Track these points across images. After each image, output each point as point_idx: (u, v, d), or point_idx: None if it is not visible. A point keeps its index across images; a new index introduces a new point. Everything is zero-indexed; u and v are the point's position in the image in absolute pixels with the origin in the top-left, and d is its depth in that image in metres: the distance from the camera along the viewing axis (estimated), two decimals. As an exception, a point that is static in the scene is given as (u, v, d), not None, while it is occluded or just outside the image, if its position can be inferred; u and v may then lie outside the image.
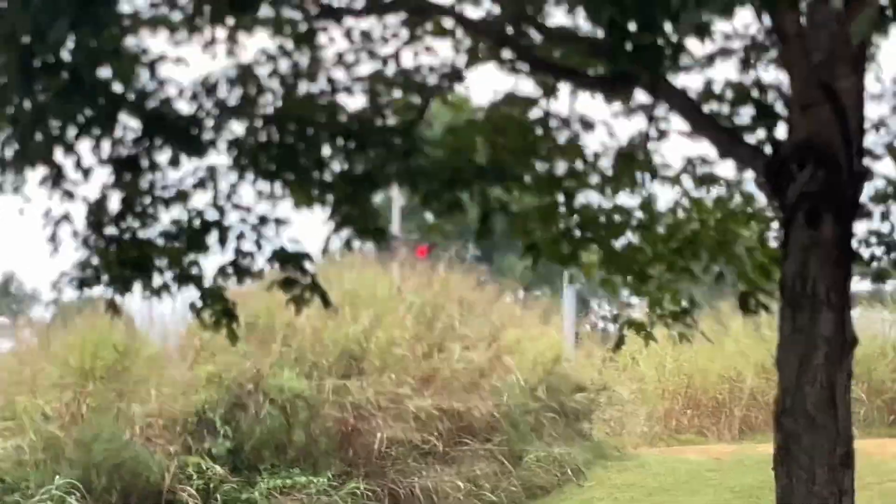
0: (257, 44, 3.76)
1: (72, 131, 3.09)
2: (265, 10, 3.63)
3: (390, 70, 4.17)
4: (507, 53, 4.33)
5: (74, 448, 8.19)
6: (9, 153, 3.23)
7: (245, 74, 3.60)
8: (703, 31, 2.64)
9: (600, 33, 3.86)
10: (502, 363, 11.84)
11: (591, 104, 4.52)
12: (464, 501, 9.65)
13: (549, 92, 4.59)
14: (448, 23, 4.43)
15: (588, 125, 4.68)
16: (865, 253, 4.21)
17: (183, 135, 3.18)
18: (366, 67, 4.27)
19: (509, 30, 4.17)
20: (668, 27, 2.94)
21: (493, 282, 15.02)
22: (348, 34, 4.22)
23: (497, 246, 26.98)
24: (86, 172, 3.31)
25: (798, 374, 3.37)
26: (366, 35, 4.25)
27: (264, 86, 3.76)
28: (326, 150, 3.64)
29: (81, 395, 8.77)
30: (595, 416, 12.72)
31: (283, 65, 3.87)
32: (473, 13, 4.26)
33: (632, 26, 2.88)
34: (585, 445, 11.80)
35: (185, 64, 3.27)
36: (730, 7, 2.29)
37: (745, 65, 4.20)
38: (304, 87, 3.99)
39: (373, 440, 9.26)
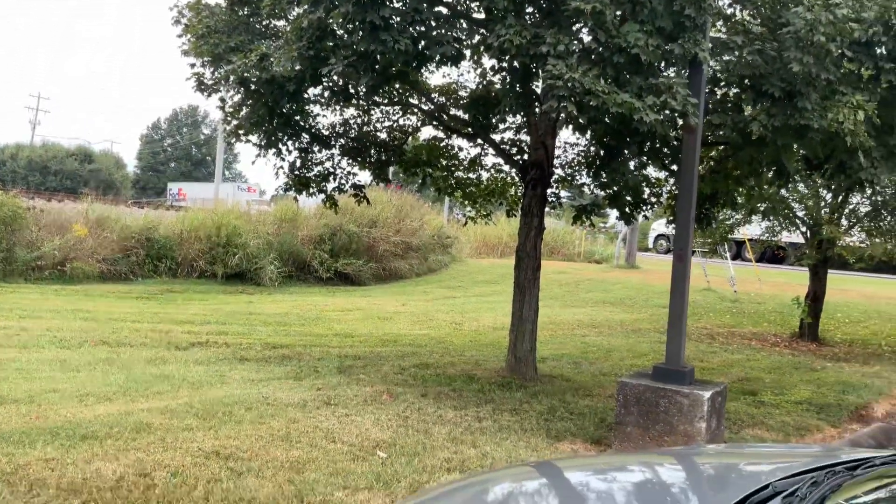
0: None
1: (284, 139, 9.31)
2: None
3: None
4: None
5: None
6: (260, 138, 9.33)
7: (347, 123, 9.92)
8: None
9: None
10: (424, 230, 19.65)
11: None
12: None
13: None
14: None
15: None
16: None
17: (323, 139, 9.48)
18: None
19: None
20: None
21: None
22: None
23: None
24: (289, 151, 9.50)
25: (525, 237, 10.26)
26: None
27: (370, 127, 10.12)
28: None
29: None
30: (453, 246, 21.70)
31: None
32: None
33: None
34: (450, 256, 19.95)
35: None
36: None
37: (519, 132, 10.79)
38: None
39: None
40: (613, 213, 15.21)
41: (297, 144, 9.45)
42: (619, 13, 6.57)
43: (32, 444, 5.56)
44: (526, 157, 10.28)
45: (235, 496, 4.81)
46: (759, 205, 13.40)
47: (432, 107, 10.12)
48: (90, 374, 8.21)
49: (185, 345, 10.49)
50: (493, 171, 11.23)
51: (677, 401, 6.32)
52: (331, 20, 6.74)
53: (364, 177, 22.50)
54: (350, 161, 9.98)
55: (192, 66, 8.95)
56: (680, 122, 6.80)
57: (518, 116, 9.93)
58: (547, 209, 10.36)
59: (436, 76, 54.32)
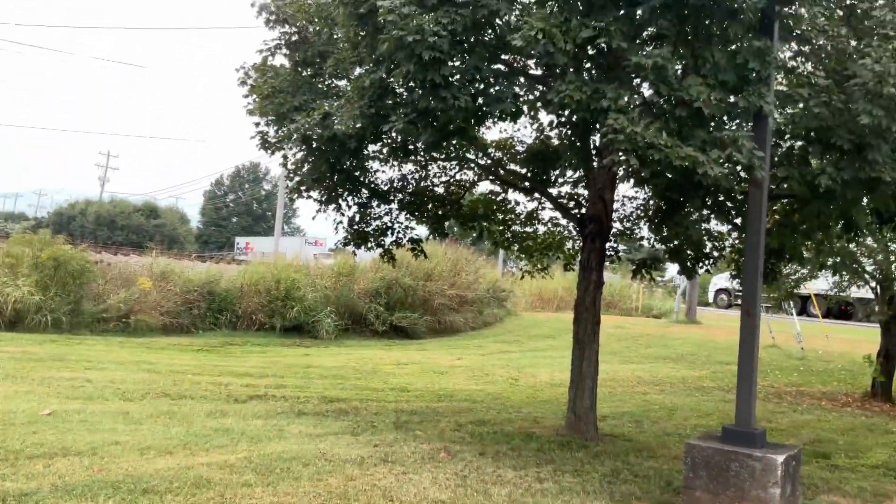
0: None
1: (345, 194, 9.43)
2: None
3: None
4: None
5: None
6: (321, 194, 9.47)
7: (405, 178, 10.03)
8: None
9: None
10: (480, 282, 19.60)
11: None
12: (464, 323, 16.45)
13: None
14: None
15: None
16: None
17: (382, 194, 9.61)
18: None
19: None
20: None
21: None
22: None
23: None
24: (349, 206, 9.61)
25: (583, 291, 10.12)
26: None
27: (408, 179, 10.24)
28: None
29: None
30: (508, 300, 22.34)
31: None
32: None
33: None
34: (505, 310, 20.53)
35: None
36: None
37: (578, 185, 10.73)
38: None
39: None
40: (672, 267, 15.02)
41: (356, 199, 9.56)
42: (680, 67, 6.53)
43: (94, 498, 5.59)
44: (584, 210, 10.19)
45: (293, 556, 4.72)
46: (826, 259, 13.01)
47: (489, 161, 10.16)
48: (151, 427, 8.28)
49: (244, 398, 10.54)
50: (549, 224, 11.17)
51: (749, 465, 6.06)
52: (391, 79, 6.85)
53: (421, 231, 22.81)
54: (408, 215, 10.05)
55: (257, 124, 9.18)
56: (744, 175, 6.66)
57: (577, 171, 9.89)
58: (605, 263, 10.23)
59: (492, 131, 55.03)
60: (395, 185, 10.03)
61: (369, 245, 9.97)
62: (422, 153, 9.46)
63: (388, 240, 10.06)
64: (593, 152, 8.47)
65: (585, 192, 10.21)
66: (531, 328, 25.99)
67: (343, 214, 9.61)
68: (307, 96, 8.60)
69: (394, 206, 9.94)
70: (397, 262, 10.86)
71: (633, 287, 35.87)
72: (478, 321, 25.79)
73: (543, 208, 10.94)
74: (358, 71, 8.15)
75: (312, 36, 9.15)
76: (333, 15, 8.33)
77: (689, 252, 9.92)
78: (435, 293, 24.08)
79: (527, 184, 10.07)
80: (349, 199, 9.47)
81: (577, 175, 10.26)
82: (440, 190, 10.42)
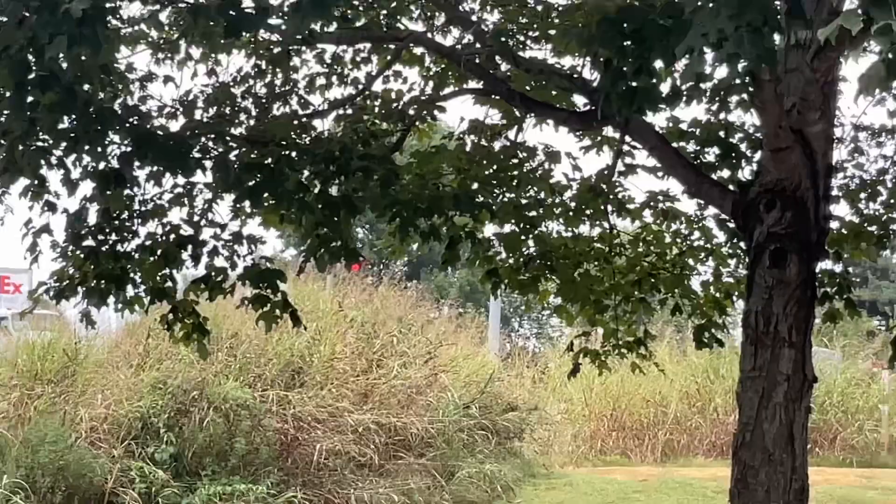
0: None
1: (61, 145, 3.08)
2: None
3: (370, 97, 4.31)
4: (478, 83, 4.44)
5: (21, 449, 8.43)
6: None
7: (222, 93, 3.64)
8: (702, 79, 2.74)
9: (583, 69, 3.99)
10: (438, 381, 11.93)
11: (553, 136, 4.69)
12: (397, 513, 9.66)
13: (516, 123, 4.72)
14: (418, 50, 4.52)
15: (554, 157, 4.82)
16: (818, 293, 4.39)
17: (175, 154, 3.14)
18: (337, 91, 4.39)
19: (482, 60, 4.27)
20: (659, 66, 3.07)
21: (428, 300, 15.53)
22: (320, 58, 4.29)
23: (424, 263, 27.43)
24: (73, 185, 3.29)
25: (758, 410, 3.52)
26: (337, 59, 4.33)
27: (240, 105, 3.85)
28: (306, 173, 3.69)
29: (29, 398, 9.01)
30: (525, 434, 12.81)
31: (258, 85, 3.98)
32: (444, 40, 4.38)
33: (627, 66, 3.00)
34: (516, 463, 11.96)
35: (175, 83, 3.31)
36: (734, 59, 2.37)
37: (722, 105, 4.34)
38: (278, 109, 4.09)
39: (312, 451, 9.42)
40: None
41: (91, 157, 3.28)
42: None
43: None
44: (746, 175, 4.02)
45: None
46: None
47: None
48: None
49: None
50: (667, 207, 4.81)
51: None
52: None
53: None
54: (244, 203, 3.68)
55: None
56: None
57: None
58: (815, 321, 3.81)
59: None
60: (202, 112, 3.71)
61: (124, 299, 3.68)
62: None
63: (197, 271, 3.76)
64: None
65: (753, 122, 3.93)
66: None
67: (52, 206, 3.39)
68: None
69: (205, 175, 3.51)
70: (210, 340, 4.47)
71: (881, 384, 16.38)
72: (440, 502, 10.11)
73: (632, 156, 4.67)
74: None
75: None
76: None
77: None
78: (313, 423, 9.63)
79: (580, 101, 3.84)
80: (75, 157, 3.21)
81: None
82: (323, 126, 4.19)
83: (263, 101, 4.13)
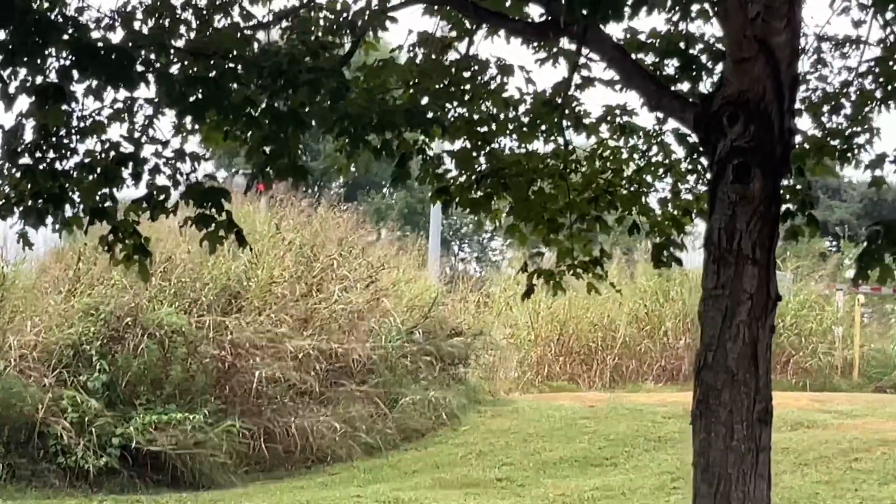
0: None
1: None
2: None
3: (315, 9, 3.99)
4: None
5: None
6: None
7: (161, 4, 3.32)
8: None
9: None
10: (380, 305, 11.68)
11: (506, 49, 4.44)
12: (339, 442, 9.66)
13: (468, 35, 4.46)
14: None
15: (507, 70, 4.58)
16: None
17: (117, 67, 2.90)
18: (281, 2, 4.09)
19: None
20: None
21: (367, 223, 15.09)
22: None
23: (361, 185, 26.76)
24: (9, 100, 3.07)
25: (720, 330, 3.38)
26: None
27: (180, 16, 3.55)
28: (252, 87, 3.42)
29: (-44, 325, 8.63)
30: (471, 360, 12.69)
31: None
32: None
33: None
34: (460, 390, 11.82)
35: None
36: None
37: (683, 14, 4.12)
38: (219, 21, 3.77)
39: (250, 379, 9.30)
40: None
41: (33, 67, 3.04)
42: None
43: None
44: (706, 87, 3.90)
45: None
46: None
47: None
48: None
49: None
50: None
51: None
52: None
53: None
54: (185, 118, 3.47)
55: None
56: None
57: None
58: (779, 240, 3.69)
59: None
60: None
61: (62, 219, 3.67)
62: None
63: (137, 191, 3.60)
64: None
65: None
66: (536, 440, 10.61)
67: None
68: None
69: (148, 89, 3.23)
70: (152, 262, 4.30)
71: (832, 303, 16.21)
72: (383, 430, 10.20)
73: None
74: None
75: None
76: None
77: None
78: (251, 350, 9.47)
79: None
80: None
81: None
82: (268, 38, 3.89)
83: (204, 12, 3.82)
